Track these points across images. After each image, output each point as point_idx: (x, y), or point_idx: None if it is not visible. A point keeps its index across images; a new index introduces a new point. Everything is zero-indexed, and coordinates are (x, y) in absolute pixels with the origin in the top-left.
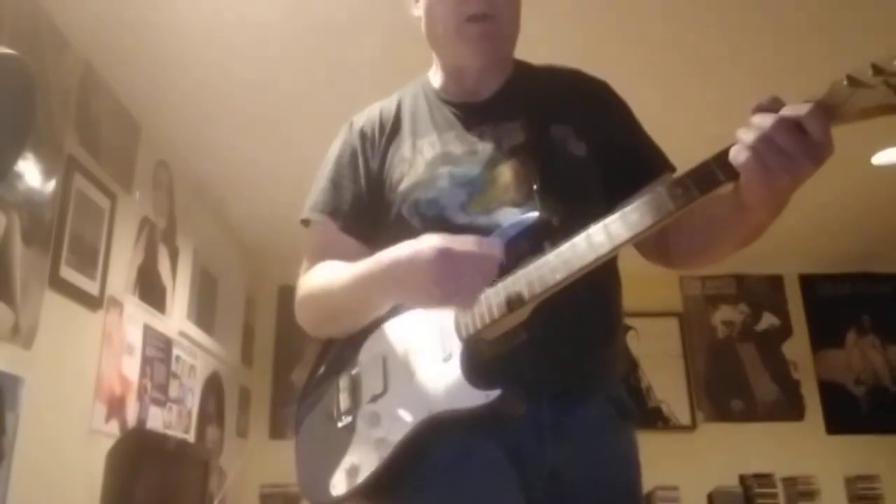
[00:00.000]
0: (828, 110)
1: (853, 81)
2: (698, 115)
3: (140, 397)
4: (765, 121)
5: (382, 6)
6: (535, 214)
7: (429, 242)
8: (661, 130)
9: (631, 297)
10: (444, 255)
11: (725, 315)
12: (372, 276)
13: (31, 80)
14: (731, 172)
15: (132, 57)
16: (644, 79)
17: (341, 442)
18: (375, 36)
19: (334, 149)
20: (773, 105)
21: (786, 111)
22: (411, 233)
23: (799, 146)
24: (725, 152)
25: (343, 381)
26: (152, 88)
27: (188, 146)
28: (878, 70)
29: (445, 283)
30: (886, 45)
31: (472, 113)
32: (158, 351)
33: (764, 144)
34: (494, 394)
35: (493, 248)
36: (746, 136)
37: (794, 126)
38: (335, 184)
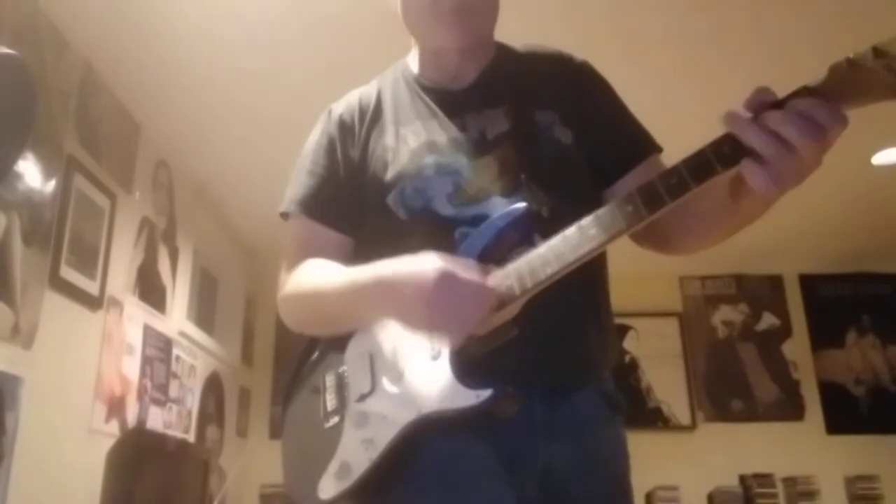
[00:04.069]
0: (825, 97)
1: (853, 65)
2: (695, 109)
3: (140, 397)
4: (791, 131)
5: (383, 4)
6: (523, 205)
7: (433, 263)
8: (659, 126)
9: (631, 297)
10: (446, 279)
11: (725, 315)
12: (369, 287)
13: (31, 80)
14: (728, 162)
15: (132, 57)
16: (639, 72)
17: (329, 443)
18: (378, 35)
19: (313, 138)
20: (764, 97)
21: (814, 115)
22: (396, 224)
23: (816, 152)
24: (721, 141)
25: (329, 380)
26: (152, 88)
27: (188, 146)
28: (879, 53)
29: (439, 308)
30: (883, 34)
31: (454, 100)
32: (158, 351)
33: (781, 156)
34: (485, 394)
35: (493, 287)
36: (764, 146)
37: (819, 130)
38: (314, 175)
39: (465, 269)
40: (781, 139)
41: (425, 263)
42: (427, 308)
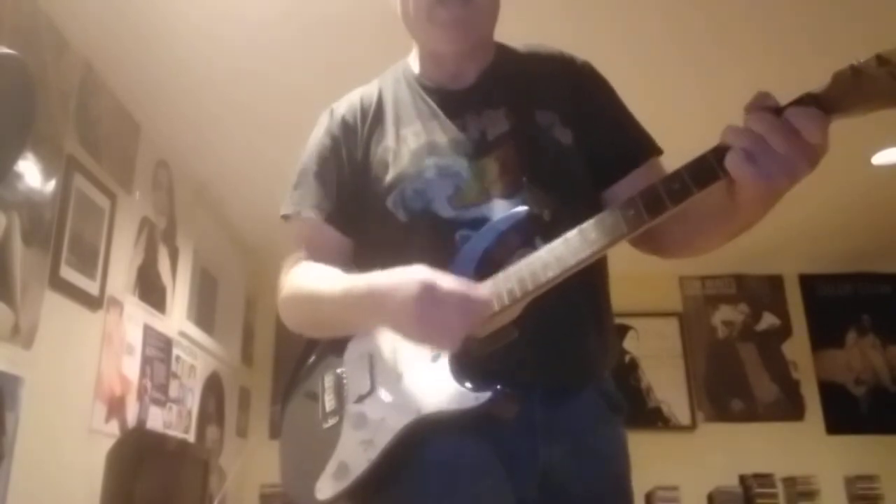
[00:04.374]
0: (828, 104)
1: (857, 72)
2: (695, 111)
3: (140, 397)
4: (761, 125)
5: (384, 3)
6: (524, 209)
7: (420, 276)
8: (659, 127)
9: (631, 297)
10: (428, 292)
11: (725, 315)
12: (362, 297)
13: (31, 80)
14: None
15: (132, 57)
16: (639, 74)
17: (327, 443)
18: (378, 35)
19: (315, 138)
20: (764, 102)
21: (785, 115)
22: (396, 226)
23: (796, 150)
24: (724, 147)
25: (328, 380)
26: (152, 88)
27: (188, 146)
28: (883, 61)
29: (424, 321)
30: (887, 41)
31: (454, 101)
32: (158, 351)
33: (760, 150)
34: (485, 396)
35: (482, 298)
36: (741, 140)
37: (791, 130)
38: (316, 175)
39: (451, 281)
40: (763, 137)
41: (411, 275)
42: (413, 319)
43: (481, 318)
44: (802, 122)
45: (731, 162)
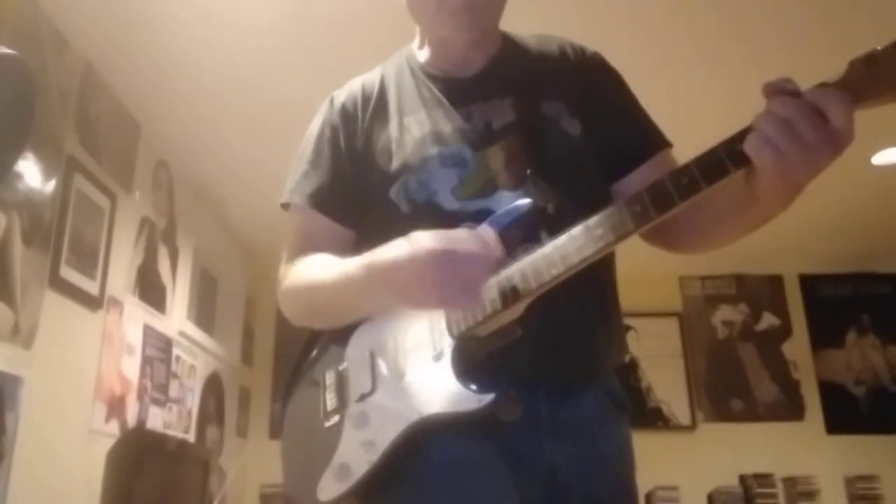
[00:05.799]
0: (850, 92)
1: (873, 60)
2: (710, 106)
3: (140, 397)
4: (786, 109)
5: (384, 6)
6: (528, 202)
7: (426, 243)
8: (674, 120)
9: (631, 297)
10: (446, 257)
11: (725, 315)
12: (365, 278)
13: (31, 80)
14: (741, 161)
15: (132, 57)
16: (653, 69)
17: (328, 443)
18: (377, 36)
19: (314, 127)
20: (785, 86)
21: (811, 97)
22: (399, 217)
23: (821, 136)
24: (735, 139)
25: (329, 378)
26: (152, 88)
27: (188, 146)
28: None
29: (447, 286)
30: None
31: (460, 89)
32: (158, 351)
33: (785, 135)
34: (488, 398)
35: (492, 245)
36: (765, 125)
37: (818, 114)
38: (315, 164)
39: (457, 240)
40: (789, 122)
41: (417, 245)
42: (434, 289)
43: (498, 259)
44: (830, 105)
45: (751, 145)
